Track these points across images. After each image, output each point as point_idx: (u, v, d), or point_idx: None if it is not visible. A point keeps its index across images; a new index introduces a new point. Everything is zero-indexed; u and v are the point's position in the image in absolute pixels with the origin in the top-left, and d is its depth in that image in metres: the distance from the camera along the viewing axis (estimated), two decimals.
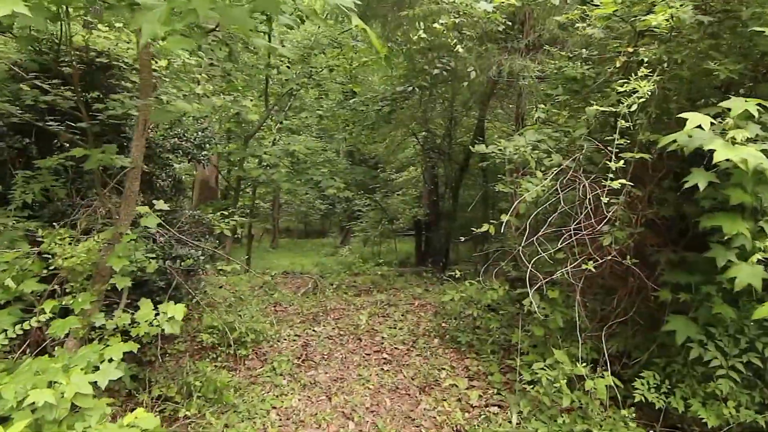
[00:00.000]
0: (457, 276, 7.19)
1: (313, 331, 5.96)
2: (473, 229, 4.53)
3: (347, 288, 7.74)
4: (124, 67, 4.87)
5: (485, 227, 4.25)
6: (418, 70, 10.28)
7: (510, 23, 6.39)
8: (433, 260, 16.31)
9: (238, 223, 5.50)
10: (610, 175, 3.26)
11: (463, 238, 14.35)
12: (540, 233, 3.89)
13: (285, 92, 9.68)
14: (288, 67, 9.51)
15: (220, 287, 7.58)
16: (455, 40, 5.67)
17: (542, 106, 5.12)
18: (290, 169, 9.48)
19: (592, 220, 3.57)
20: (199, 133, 5.80)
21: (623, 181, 3.27)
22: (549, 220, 3.88)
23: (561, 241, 3.70)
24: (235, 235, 18.54)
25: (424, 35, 6.02)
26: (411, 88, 10.40)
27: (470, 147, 11.82)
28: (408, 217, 16.51)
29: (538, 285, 4.24)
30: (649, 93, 3.18)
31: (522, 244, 4.05)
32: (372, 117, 12.16)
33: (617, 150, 3.46)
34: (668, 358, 3.91)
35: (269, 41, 9.75)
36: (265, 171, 8.74)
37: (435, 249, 16.82)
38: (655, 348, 3.99)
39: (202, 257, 4.97)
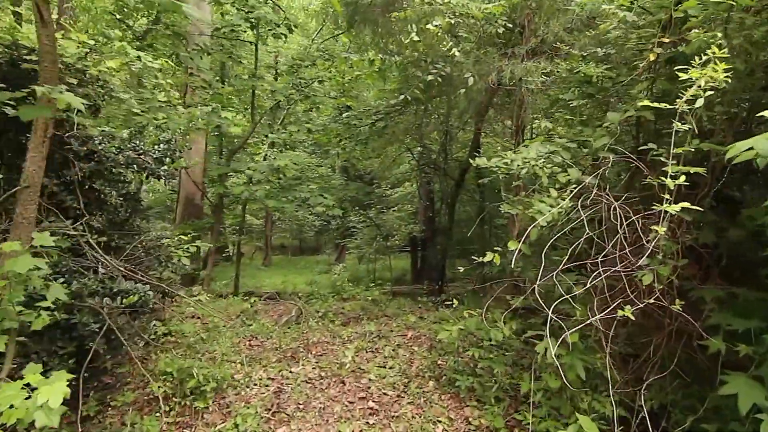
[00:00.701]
0: (453, 304, 6.34)
1: (290, 372, 5.04)
2: (474, 257, 3.69)
3: (334, 316, 6.83)
4: (61, 66, 4.06)
5: (489, 256, 3.40)
6: (411, 79, 9.55)
7: (510, 26, 5.63)
8: (429, 278, 15.42)
9: (199, 247, 4.63)
10: (666, 196, 2.38)
11: (460, 266, 13.44)
12: (561, 267, 3.03)
13: (272, 105, 8.88)
14: (275, 78, 8.74)
15: (193, 317, 6.68)
16: (450, 44, 4.89)
17: (542, 119, 4.33)
18: (276, 185, 8.63)
19: (626, 250, 2.72)
20: (161, 145, 4.96)
21: (685, 204, 2.35)
22: (571, 249, 3.02)
23: (591, 277, 2.83)
24: (224, 254, 17.63)
25: (416, 38, 5.25)
26: (404, 97, 9.66)
27: (469, 160, 11.03)
28: (403, 233, 15.64)
29: (548, 321, 3.37)
30: (720, 83, 2.32)
31: (537, 279, 3.18)
32: (365, 132, 11.39)
33: (655, 162, 2.63)
34: (721, 425, 3.02)
35: (256, 52, 9.01)
36: (248, 188, 7.89)
37: (431, 266, 15.93)
38: (705, 410, 3.10)
39: (150, 292, 4.09)
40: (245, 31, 8.18)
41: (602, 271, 2.74)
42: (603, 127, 3.28)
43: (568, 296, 2.95)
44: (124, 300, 3.81)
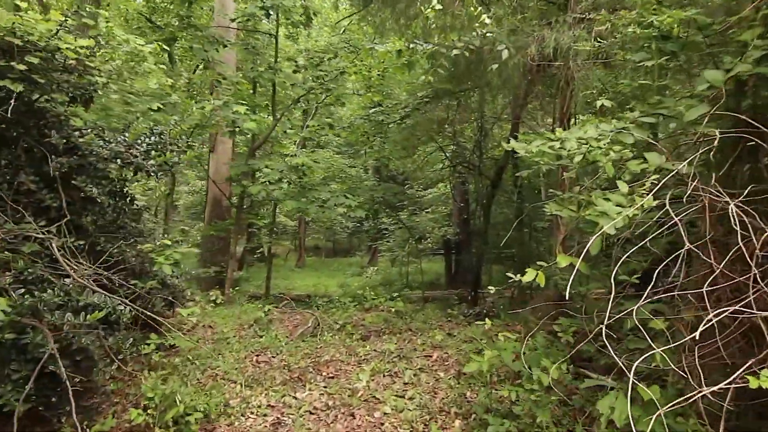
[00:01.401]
0: (486, 324, 5.41)
1: (294, 398, 4.24)
2: (510, 275, 2.77)
3: (353, 328, 6.00)
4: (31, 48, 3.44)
5: (530, 274, 2.46)
6: (438, 70, 8.63)
7: None
8: (464, 283, 14.34)
9: (183, 253, 3.92)
10: None
11: (497, 273, 12.29)
12: (646, 293, 2.04)
13: (293, 100, 8.18)
14: (296, 71, 8.02)
15: (203, 326, 6.03)
16: (480, 9, 3.97)
17: (597, 98, 3.32)
18: (297, 185, 7.91)
19: (751, 274, 1.73)
20: (150, 137, 4.28)
21: None
22: (659, 268, 2.04)
23: (685, 311, 1.84)
24: (255, 255, 17.22)
25: (438, 6, 4.35)
26: (431, 89, 8.73)
27: (507, 156, 9.91)
28: (437, 236, 14.65)
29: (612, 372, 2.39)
30: None
31: (599, 314, 2.21)
32: (394, 129, 10.53)
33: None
34: None
35: (276, 43, 8.34)
36: (265, 187, 7.20)
37: (466, 271, 14.83)
38: None
39: (121, 307, 3.39)
40: (262, 20, 7.51)
41: (713, 305, 1.75)
42: (696, 94, 2.26)
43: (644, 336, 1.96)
44: (89, 316, 3.13)
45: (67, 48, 3.47)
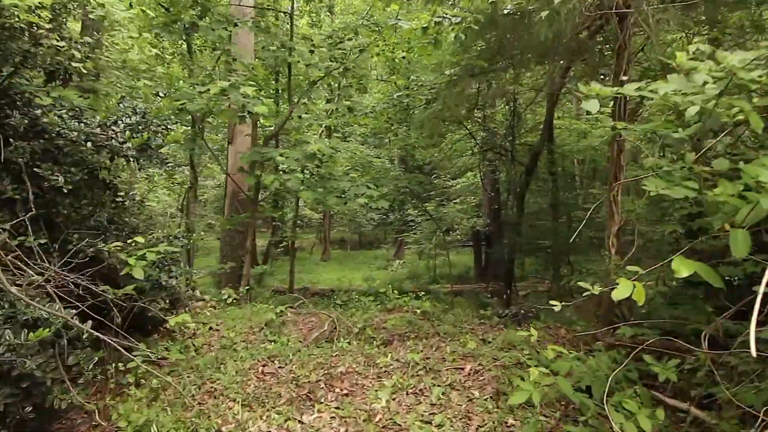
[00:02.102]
0: (525, 314, 4.52)
1: (300, 423, 3.47)
2: (552, 302, 1.90)
3: (374, 332, 5.19)
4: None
5: (623, 288, 1.57)
6: (471, 48, 7.64)
7: None
8: (494, 276, 13.33)
9: (161, 253, 3.19)
10: None
11: (530, 267, 11.19)
12: None
13: (309, 82, 7.38)
14: (312, 51, 7.21)
15: (210, 328, 5.35)
16: None
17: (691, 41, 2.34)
18: (316, 175, 7.15)
19: None
20: (131, 117, 3.57)
21: None
22: None
23: None
24: (278, 249, 16.66)
25: None
26: (461, 69, 7.76)
27: (543, 142, 8.81)
28: (466, 227, 13.68)
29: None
30: None
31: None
32: (421, 113, 9.61)
33: None
34: None
35: (291, 21, 7.55)
36: (278, 177, 6.46)
37: (497, 263, 13.79)
38: None
39: (77, 321, 2.68)
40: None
41: None
42: None
43: None
44: (30, 335, 2.44)
45: (11, 3, 2.76)
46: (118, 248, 2.93)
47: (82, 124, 3.26)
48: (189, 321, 3.45)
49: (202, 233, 15.07)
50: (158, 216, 17.16)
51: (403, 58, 9.82)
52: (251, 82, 5.97)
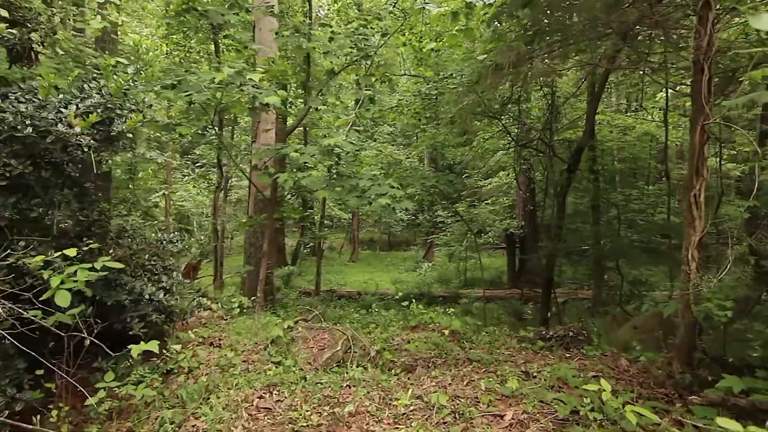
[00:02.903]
0: (575, 337, 3.57)
1: None
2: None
3: (394, 355, 4.29)
4: None
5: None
6: (506, 34, 6.59)
7: None
8: (529, 282, 12.13)
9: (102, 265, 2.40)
10: None
11: (569, 272, 9.89)
12: None
13: (327, 72, 6.55)
14: (331, 38, 6.36)
15: (212, 344, 4.60)
16: None
17: None
18: (334, 172, 6.32)
19: None
20: (89, 98, 2.80)
21: None
22: None
23: None
24: (306, 249, 15.99)
25: None
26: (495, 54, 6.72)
27: (586, 137, 7.59)
28: (498, 229, 12.54)
29: None
30: None
31: None
32: (451, 105, 8.60)
33: None
34: None
35: (310, 5, 6.73)
36: (293, 174, 5.67)
37: (533, 268, 12.57)
38: None
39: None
40: None
41: None
42: None
43: None
44: None
45: None
46: (37, 265, 2.15)
47: (22, 104, 2.53)
48: (155, 347, 2.64)
49: (232, 233, 14.61)
50: (193, 216, 16.89)
51: (432, 50, 8.85)
52: (262, 73, 5.18)
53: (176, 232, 4.31)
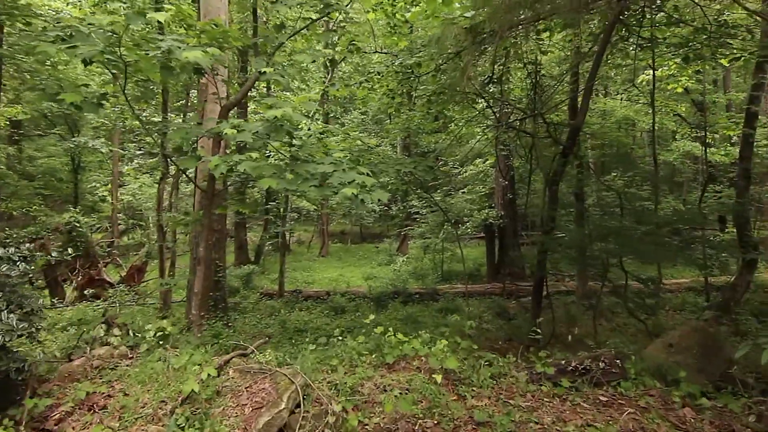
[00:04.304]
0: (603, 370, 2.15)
1: None
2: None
3: (365, 413, 2.82)
4: None
5: None
6: None
7: None
8: (510, 274, 10.89)
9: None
10: None
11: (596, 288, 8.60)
12: None
13: (276, 26, 4.88)
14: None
15: (90, 410, 2.94)
16: None
17: None
18: (286, 154, 4.72)
19: None
20: None
21: None
22: None
23: None
24: (268, 246, 14.23)
25: None
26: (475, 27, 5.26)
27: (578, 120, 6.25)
28: (477, 219, 11.23)
29: None
30: None
31: None
32: (429, 82, 7.08)
33: None
34: None
35: None
36: (227, 158, 4.06)
37: (512, 259, 11.34)
38: None
39: None
40: None
41: None
42: None
43: None
44: None
45: None
46: None
47: None
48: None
49: (186, 229, 12.68)
50: (147, 210, 14.71)
51: (406, 21, 7.26)
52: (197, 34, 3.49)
53: (24, 245, 2.64)
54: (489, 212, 10.78)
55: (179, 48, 3.87)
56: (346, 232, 16.81)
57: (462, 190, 12.09)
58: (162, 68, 3.90)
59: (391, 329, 3.48)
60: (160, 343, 4.04)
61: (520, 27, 6.22)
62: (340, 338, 3.59)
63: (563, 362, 3.26)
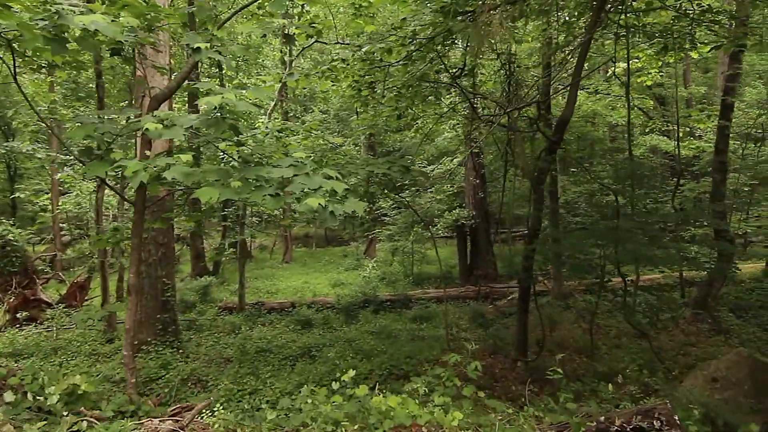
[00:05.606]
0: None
1: None
2: None
3: None
4: None
5: None
6: None
7: None
8: (484, 276, 10.29)
9: None
10: None
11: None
12: None
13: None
14: None
15: None
16: None
17: None
18: (228, 158, 3.67)
19: None
20: None
21: None
22: None
23: None
24: (224, 256, 12.87)
25: None
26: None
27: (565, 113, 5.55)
28: (448, 220, 10.54)
29: None
30: None
31: None
32: (401, 71, 6.19)
33: None
34: None
35: None
36: (148, 164, 2.94)
37: (484, 260, 10.75)
38: None
39: None
40: None
41: None
42: None
43: None
44: None
45: None
46: None
47: None
48: None
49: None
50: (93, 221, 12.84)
51: (371, 3, 6.32)
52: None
53: None
54: (460, 212, 10.10)
55: (72, 12, 2.75)
56: (311, 236, 15.65)
57: (430, 190, 11.35)
58: (51, 40, 2.73)
59: (377, 390, 2.55)
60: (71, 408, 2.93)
61: (498, 9, 5.43)
62: (309, 397, 2.62)
63: (603, 419, 2.48)
